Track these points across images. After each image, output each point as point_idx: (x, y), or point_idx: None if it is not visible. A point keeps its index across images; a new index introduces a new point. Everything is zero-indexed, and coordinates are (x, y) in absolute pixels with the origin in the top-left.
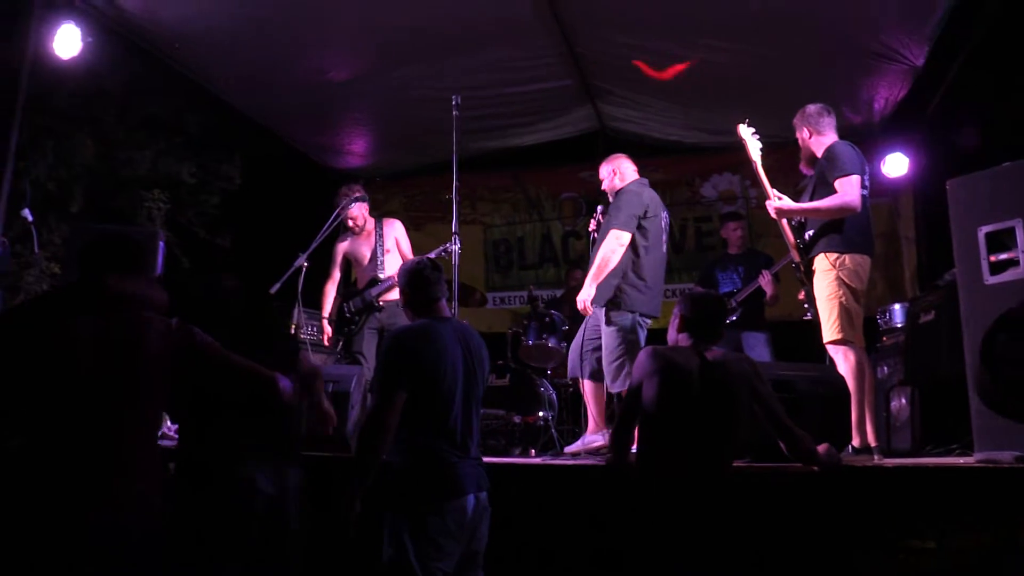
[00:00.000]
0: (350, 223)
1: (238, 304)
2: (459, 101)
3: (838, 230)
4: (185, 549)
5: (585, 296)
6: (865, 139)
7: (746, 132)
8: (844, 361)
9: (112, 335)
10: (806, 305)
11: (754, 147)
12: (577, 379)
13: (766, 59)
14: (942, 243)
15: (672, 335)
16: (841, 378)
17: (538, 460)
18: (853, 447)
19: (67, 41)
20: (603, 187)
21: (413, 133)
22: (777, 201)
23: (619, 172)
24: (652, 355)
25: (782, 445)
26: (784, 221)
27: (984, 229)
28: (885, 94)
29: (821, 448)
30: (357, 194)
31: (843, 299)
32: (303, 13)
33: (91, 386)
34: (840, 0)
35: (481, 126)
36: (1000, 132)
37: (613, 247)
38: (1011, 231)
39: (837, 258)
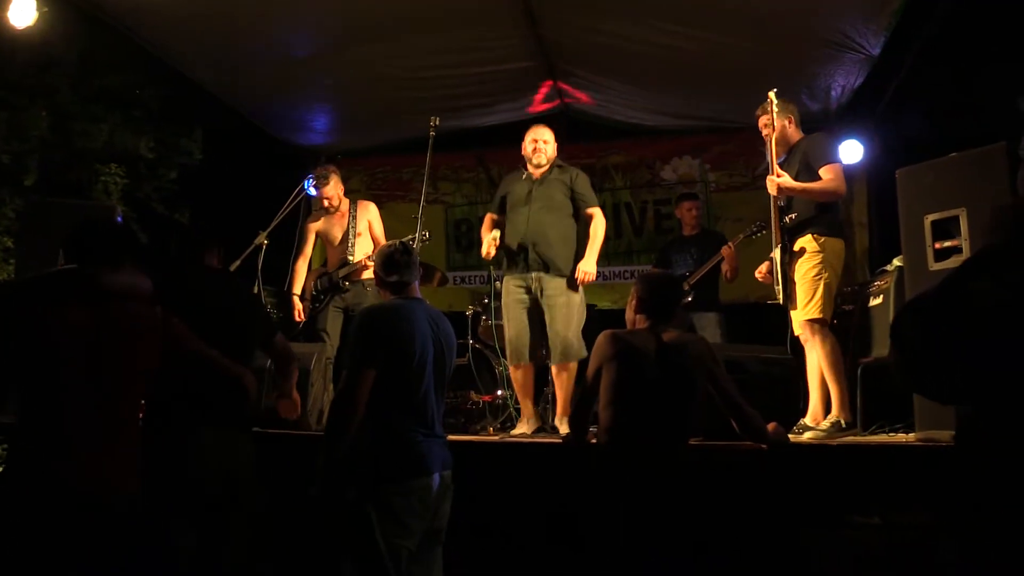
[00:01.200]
0: (325, 203)
1: (217, 288)
2: (437, 123)
3: (825, 214)
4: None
5: (591, 269)
6: (822, 125)
7: (776, 102)
8: (823, 340)
9: (100, 328)
10: (777, 287)
11: (778, 119)
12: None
13: (727, 45)
14: (893, 229)
15: (630, 315)
16: (791, 359)
17: (497, 438)
18: (803, 424)
19: (21, 10)
20: (546, 156)
21: (375, 111)
22: (778, 179)
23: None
24: (611, 339)
25: (734, 423)
26: (773, 202)
27: (930, 217)
28: (842, 82)
29: (768, 427)
30: (329, 174)
31: (827, 280)
32: None
33: (76, 376)
34: None
35: (444, 106)
36: (950, 123)
37: (603, 225)
38: (956, 219)
39: (824, 241)
